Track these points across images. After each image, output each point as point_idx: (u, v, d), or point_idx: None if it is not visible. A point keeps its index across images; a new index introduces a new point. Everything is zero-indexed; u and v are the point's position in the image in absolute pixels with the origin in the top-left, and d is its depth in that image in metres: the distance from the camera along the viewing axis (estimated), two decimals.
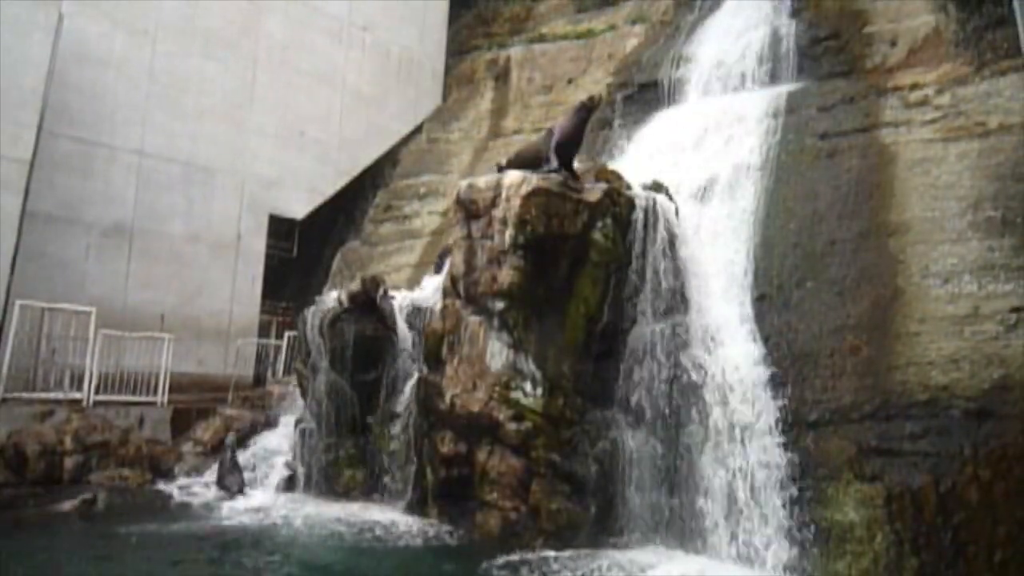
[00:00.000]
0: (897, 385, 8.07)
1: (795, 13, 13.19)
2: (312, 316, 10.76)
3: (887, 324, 8.62)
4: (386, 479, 10.05)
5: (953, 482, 7.29)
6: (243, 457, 10.97)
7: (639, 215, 9.70)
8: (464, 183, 9.89)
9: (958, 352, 8.02)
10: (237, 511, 9.42)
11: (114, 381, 11.86)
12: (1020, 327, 7.95)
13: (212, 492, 10.38)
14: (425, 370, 9.87)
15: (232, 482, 10.38)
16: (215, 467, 10.90)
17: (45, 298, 11.86)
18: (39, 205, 12.45)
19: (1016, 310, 8.09)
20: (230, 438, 10.97)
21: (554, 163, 9.66)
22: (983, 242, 8.78)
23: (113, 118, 13.67)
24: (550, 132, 10.18)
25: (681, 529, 8.25)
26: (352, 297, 10.74)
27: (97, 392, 11.59)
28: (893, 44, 11.81)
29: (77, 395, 11.50)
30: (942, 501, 7.25)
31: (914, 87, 10.96)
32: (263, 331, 15.61)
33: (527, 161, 10.06)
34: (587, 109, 10.19)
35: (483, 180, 9.69)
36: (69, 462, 10.34)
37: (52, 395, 11.44)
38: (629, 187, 10.10)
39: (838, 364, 8.53)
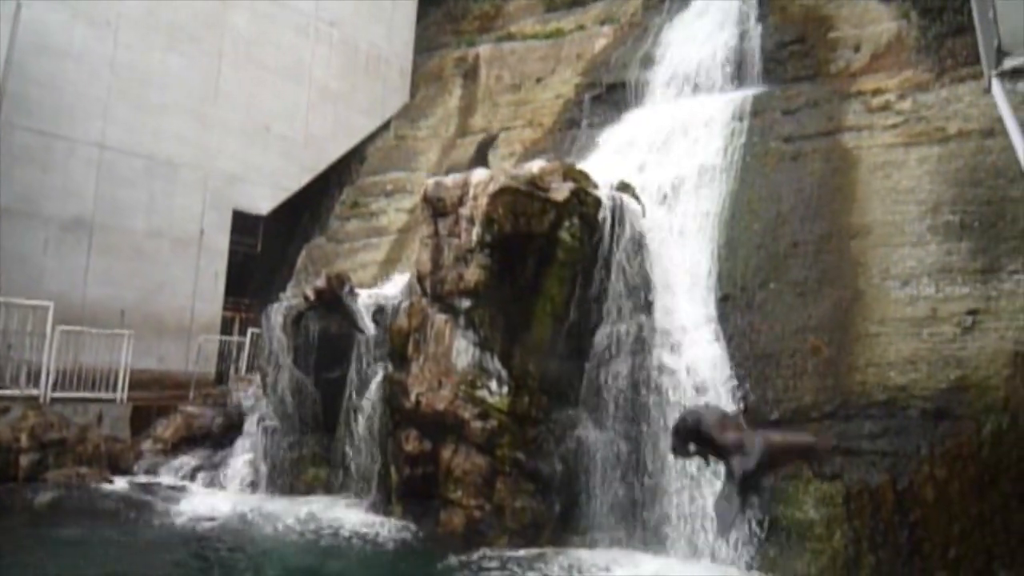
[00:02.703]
0: (856, 385, 8.20)
1: (761, 17, 13.29)
2: (276, 313, 10.66)
3: (847, 325, 8.75)
4: (350, 477, 9.99)
5: (910, 481, 7.43)
6: (202, 457, 10.88)
7: (606, 215, 9.74)
8: (432, 181, 9.86)
9: (916, 353, 8.17)
10: (198, 510, 9.28)
11: (72, 377, 11.63)
12: (976, 329, 8.11)
13: (172, 491, 10.23)
14: (390, 368, 9.82)
15: None
16: (174, 465, 10.78)
17: (1, 292, 11.59)
18: None
19: (972, 312, 8.25)
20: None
21: None
22: (941, 246, 8.94)
23: (73, 110, 13.36)
24: None
25: (644, 527, 8.32)
26: (317, 294, 10.64)
27: (55, 389, 11.37)
28: (857, 50, 11.97)
29: (34, 391, 11.25)
30: (899, 499, 7.39)
31: (876, 92, 11.11)
32: (226, 328, 15.40)
33: None
34: None
35: (451, 178, 9.68)
36: (25, 460, 10.11)
37: (8, 391, 11.15)
38: (596, 187, 10.12)
39: (799, 364, 8.65)
